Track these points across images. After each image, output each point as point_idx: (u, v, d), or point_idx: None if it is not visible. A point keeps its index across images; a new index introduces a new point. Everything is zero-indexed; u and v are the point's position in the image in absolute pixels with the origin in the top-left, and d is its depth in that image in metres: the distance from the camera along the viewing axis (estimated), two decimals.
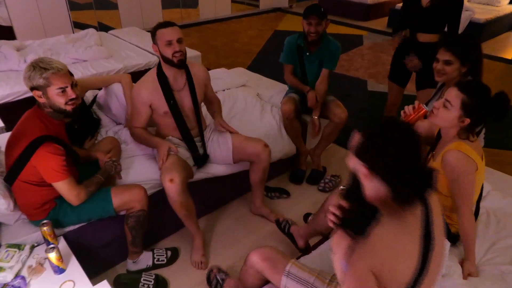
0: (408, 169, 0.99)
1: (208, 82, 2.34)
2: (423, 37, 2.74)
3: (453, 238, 1.74)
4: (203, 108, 2.63)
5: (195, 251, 2.24)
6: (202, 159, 2.31)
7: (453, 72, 2.03)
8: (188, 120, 2.24)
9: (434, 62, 2.08)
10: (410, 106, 1.79)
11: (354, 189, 1.11)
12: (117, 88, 2.52)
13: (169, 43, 2.01)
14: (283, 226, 2.26)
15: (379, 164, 1.00)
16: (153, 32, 2.04)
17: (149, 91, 2.11)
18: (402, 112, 1.82)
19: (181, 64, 2.09)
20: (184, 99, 2.21)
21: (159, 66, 2.13)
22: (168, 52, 2.02)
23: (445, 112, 1.63)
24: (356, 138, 1.07)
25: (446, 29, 2.73)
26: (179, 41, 2.03)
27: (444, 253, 1.21)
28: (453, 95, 1.60)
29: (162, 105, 2.14)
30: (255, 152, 2.28)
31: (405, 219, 1.05)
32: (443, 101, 1.62)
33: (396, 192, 1.01)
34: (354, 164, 1.07)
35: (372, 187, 1.06)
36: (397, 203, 1.02)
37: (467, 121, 1.58)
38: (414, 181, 1.00)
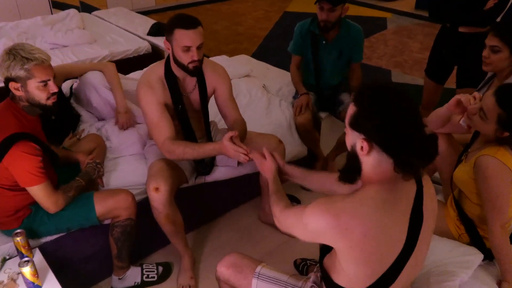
0: (408, 133, 1.06)
1: (219, 86, 2.17)
2: (465, 27, 2.71)
3: (489, 253, 1.73)
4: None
5: (183, 273, 2.23)
6: (206, 167, 2.26)
7: (500, 61, 2.01)
8: (193, 123, 2.19)
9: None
10: (471, 99, 1.70)
11: (350, 169, 1.20)
12: (93, 78, 2.50)
13: (187, 49, 1.90)
14: (301, 268, 2.27)
15: (377, 130, 1.07)
16: (170, 28, 1.91)
17: (158, 92, 2.01)
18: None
19: (196, 72, 2.02)
20: (193, 102, 2.17)
21: (167, 64, 2.04)
22: (184, 59, 1.93)
23: (480, 122, 1.63)
24: (350, 110, 1.14)
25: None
26: (199, 47, 1.93)
27: (431, 237, 1.29)
28: (490, 107, 1.57)
29: (168, 108, 2.07)
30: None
31: (399, 199, 1.14)
32: (478, 109, 1.60)
33: (398, 158, 1.08)
34: (352, 139, 1.15)
35: (372, 162, 1.13)
36: (400, 171, 1.10)
37: (506, 134, 1.59)
38: (416, 145, 1.06)
